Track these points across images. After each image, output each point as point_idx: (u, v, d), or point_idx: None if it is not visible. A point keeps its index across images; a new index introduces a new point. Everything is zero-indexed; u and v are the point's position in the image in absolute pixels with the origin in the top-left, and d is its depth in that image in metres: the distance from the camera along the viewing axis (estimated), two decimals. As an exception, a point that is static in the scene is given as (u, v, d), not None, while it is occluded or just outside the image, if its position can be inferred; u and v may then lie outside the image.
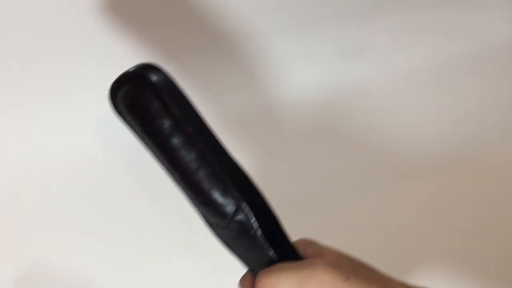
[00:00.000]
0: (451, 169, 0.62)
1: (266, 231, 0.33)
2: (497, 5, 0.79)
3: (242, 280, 0.35)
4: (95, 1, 0.54)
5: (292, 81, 0.67)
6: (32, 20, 0.54)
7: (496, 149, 0.65)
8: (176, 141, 0.31)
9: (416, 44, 0.76)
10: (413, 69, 0.74)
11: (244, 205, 0.32)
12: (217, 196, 0.32)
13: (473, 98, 0.72)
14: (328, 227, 0.48)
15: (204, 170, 0.31)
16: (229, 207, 0.32)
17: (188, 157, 0.31)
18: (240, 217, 0.32)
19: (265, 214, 0.33)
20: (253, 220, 0.32)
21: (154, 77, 0.31)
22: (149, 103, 0.31)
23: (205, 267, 0.52)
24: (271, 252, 0.33)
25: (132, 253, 0.53)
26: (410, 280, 0.33)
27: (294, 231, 0.36)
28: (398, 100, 0.71)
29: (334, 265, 0.30)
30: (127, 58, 0.59)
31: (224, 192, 0.32)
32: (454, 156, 0.64)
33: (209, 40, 0.62)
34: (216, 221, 0.33)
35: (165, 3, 0.57)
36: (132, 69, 0.32)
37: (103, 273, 0.51)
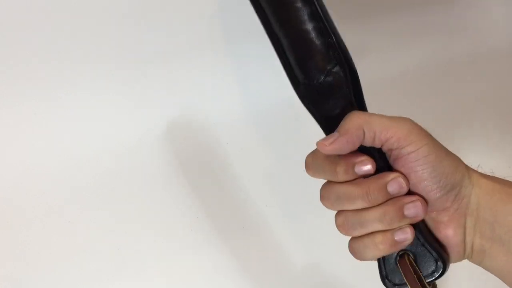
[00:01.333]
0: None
1: (356, 92, 0.36)
2: (497, 5, 0.79)
3: (323, 140, 0.34)
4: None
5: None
6: (33, 19, 0.54)
7: (495, 150, 0.65)
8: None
9: (415, 44, 0.76)
10: (412, 69, 0.74)
11: (343, 63, 0.35)
12: (324, 49, 0.36)
13: (473, 98, 0.72)
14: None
15: (317, 30, 0.36)
16: (331, 61, 0.36)
17: (306, 18, 0.36)
18: (337, 72, 0.35)
19: (356, 80, 0.37)
20: (348, 78, 0.35)
21: None
22: None
23: (206, 268, 0.52)
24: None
25: (132, 253, 0.53)
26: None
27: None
28: (397, 100, 0.71)
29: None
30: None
31: (329, 48, 0.36)
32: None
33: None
34: (311, 76, 0.36)
35: None
36: None
37: (103, 273, 0.51)
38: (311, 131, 0.37)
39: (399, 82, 0.72)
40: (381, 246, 0.33)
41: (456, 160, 0.34)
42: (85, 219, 0.55)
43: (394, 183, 0.32)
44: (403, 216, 0.32)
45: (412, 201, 0.32)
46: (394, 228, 0.32)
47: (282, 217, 0.56)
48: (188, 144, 0.63)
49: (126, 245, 0.53)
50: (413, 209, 0.32)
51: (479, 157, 0.64)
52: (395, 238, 0.32)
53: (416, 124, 0.33)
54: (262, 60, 0.68)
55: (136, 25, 0.60)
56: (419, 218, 0.32)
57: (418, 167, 0.32)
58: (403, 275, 0.34)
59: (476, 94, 0.72)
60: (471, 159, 0.63)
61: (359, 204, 0.32)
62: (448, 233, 0.33)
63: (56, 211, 0.56)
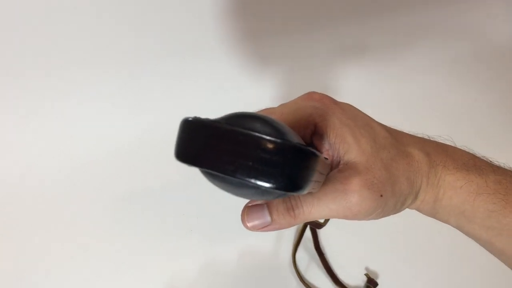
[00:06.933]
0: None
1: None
2: (497, 5, 0.79)
3: (250, 208, 0.35)
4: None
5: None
6: (34, 22, 0.55)
7: (496, 150, 0.65)
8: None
9: (416, 44, 0.76)
10: (413, 69, 0.74)
11: None
12: None
13: (473, 97, 0.72)
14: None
15: None
16: None
17: None
18: None
19: None
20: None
21: None
22: None
23: (206, 268, 0.52)
24: None
25: (132, 253, 0.53)
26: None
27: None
28: (397, 99, 0.71)
29: (367, 183, 0.31)
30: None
31: None
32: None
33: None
34: None
35: None
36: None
37: (103, 273, 0.51)
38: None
39: (398, 82, 0.72)
40: None
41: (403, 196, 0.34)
42: (85, 219, 0.56)
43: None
44: None
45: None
46: None
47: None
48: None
49: (126, 245, 0.53)
50: None
51: (478, 154, 0.64)
52: None
53: (363, 188, 0.32)
54: (260, 62, 0.68)
55: (136, 26, 0.60)
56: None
57: None
58: None
59: (476, 93, 0.72)
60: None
61: None
62: None
63: (56, 210, 0.56)
